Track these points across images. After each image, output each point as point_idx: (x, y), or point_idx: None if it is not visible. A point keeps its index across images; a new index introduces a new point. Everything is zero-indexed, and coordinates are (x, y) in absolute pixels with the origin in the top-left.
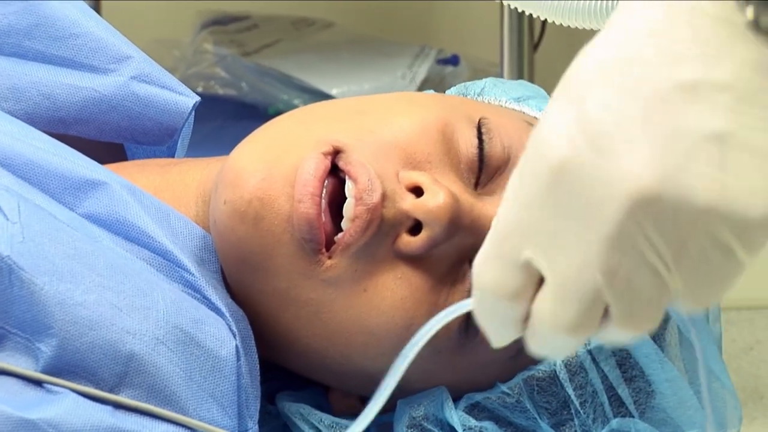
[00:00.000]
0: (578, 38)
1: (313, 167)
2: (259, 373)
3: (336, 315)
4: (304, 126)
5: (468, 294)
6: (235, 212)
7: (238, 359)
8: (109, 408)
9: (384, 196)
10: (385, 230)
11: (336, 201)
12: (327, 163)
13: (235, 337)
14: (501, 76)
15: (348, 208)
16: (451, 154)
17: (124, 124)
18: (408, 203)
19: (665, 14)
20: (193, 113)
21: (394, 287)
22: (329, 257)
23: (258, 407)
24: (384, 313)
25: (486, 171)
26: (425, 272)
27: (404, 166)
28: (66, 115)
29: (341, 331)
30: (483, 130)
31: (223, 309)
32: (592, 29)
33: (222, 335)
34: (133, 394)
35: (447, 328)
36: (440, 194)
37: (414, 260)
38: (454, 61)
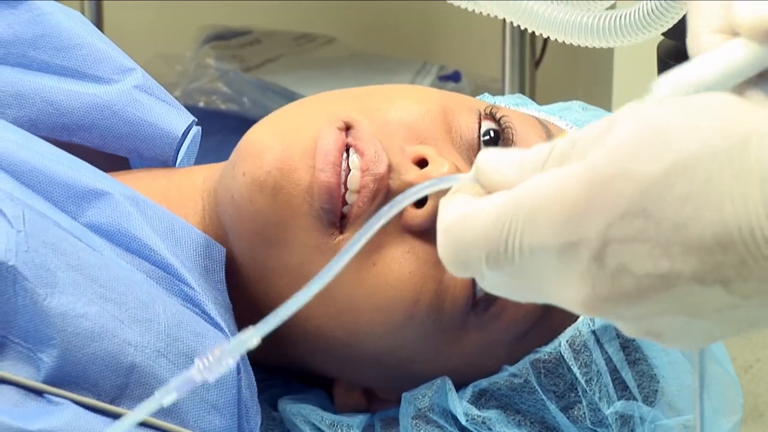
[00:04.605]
0: (579, 56)
1: (333, 138)
2: (256, 391)
3: (345, 291)
4: (316, 105)
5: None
6: (254, 182)
7: (239, 373)
8: (109, 420)
9: (390, 168)
10: None
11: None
12: (343, 136)
13: None
14: (502, 92)
15: (353, 180)
16: (453, 132)
17: (125, 130)
18: (413, 175)
19: None
20: (199, 131)
21: (403, 261)
22: (341, 232)
23: (258, 422)
24: (392, 287)
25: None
26: (432, 246)
27: (409, 143)
28: (69, 120)
29: (350, 308)
30: (499, 114)
31: (222, 324)
32: (593, 47)
33: None
34: (134, 406)
35: (452, 303)
36: (445, 164)
37: (421, 234)
38: (455, 77)
